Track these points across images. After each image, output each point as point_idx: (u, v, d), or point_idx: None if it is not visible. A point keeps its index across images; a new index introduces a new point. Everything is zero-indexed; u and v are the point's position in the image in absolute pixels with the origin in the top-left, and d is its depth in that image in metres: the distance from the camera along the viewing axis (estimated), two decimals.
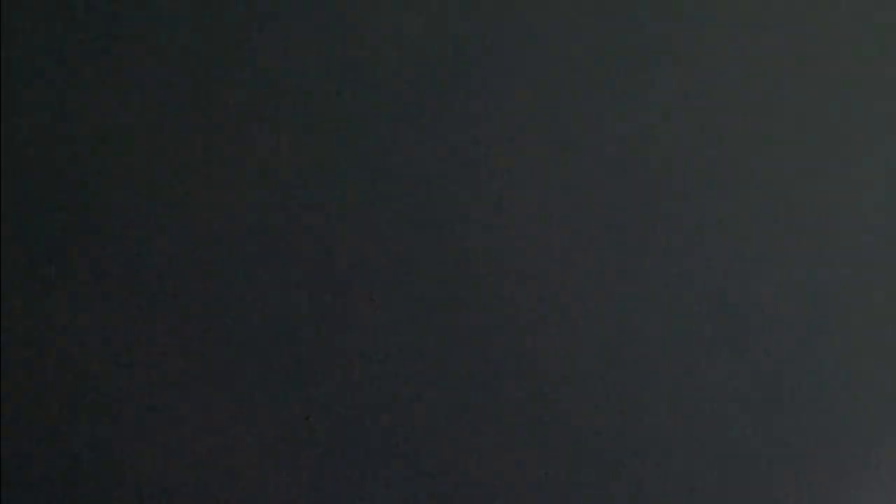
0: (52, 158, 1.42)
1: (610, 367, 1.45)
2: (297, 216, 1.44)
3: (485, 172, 1.46)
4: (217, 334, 1.42)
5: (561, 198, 1.46)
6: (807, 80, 1.49)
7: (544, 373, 1.45)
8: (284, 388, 1.42)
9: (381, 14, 1.46)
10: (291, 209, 1.43)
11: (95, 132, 1.42)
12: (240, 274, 1.43)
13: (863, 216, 1.48)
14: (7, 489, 1.38)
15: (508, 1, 1.47)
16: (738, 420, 1.46)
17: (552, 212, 1.46)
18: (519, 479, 1.44)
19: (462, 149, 1.46)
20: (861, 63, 1.49)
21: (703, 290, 1.46)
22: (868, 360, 1.47)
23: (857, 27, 1.49)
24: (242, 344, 1.42)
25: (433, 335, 1.44)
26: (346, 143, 1.45)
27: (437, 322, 1.44)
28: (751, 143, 1.48)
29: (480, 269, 1.45)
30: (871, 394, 1.47)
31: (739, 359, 1.46)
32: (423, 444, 1.43)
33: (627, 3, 1.48)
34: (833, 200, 1.48)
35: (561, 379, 1.45)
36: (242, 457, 1.41)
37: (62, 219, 1.41)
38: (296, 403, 1.42)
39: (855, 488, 1.46)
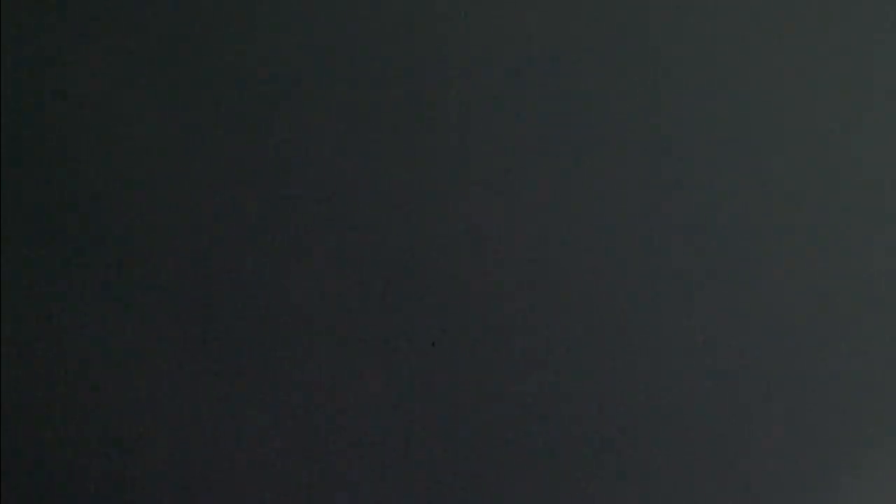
0: (53, 158, 1.42)
1: (608, 365, 1.45)
2: (298, 214, 1.44)
3: (484, 173, 1.46)
4: (219, 333, 1.42)
5: (561, 198, 1.46)
6: (809, 81, 1.49)
7: (541, 372, 1.45)
8: (284, 388, 1.42)
9: (381, 13, 1.46)
10: (293, 207, 1.44)
11: (96, 131, 1.42)
12: (241, 274, 1.43)
13: (861, 217, 1.48)
14: (7, 489, 1.38)
15: (511, 2, 1.47)
16: (737, 419, 1.46)
17: (552, 212, 1.46)
18: (520, 481, 1.44)
19: (461, 149, 1.46)
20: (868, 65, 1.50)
21: (702, 291, 1.46)
22: (866, 359, 1.47)
23: (859, 28, 1.50)
24: (244, 344, 1.42)
25: (436, 336, 1.44)
26: (347, 142, 1.45)
27: (437, 323, 1.44)
28: (751, 144, 1.48)
29: (482, 268, 1.45)
30: (869, 393, 1.47)
31: (738, 359, 1.46)
32: (424, 444, 1.43)
33: (629, 5, 1.48)
34: (831, 200, 1.48)
35: (555, 378, 1.45)
36: (243, 457, 1.41)
37: (62, 218, 1.41)
38: (296, 403, 1.42)
39: (851, 488, 1.46)
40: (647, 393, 1.45)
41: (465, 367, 1.44)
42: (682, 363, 1.46)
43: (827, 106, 1.49)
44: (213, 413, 1.41)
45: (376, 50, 1.46)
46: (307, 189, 1.44)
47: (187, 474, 1.40)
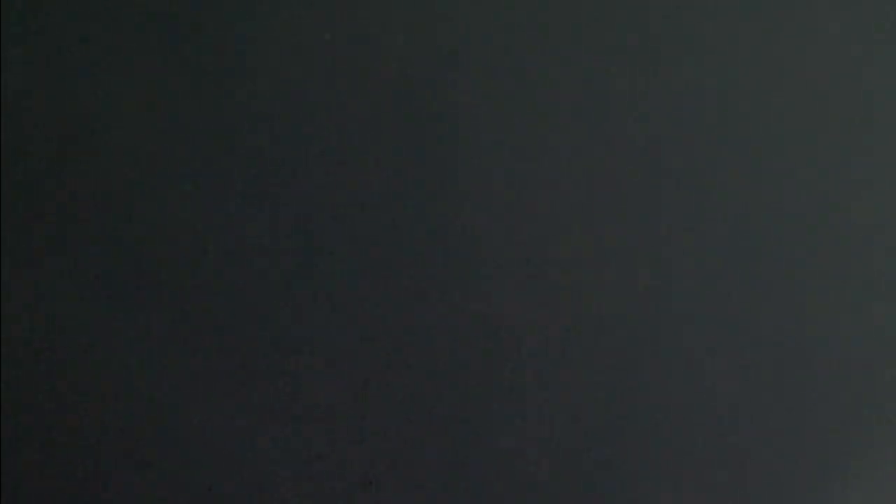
0: (54, 157, 1.42)
1: (606, 365, 1.45)
2: (296, 213, 1.44)
3: (482, 173, 1.46)
4: (219, 333, 1.42)
5: (561, 198, 1.47)
6: (809, 81, 1.49)
7: (540, 372, 1.45)
8: (283, 387, 1.42)
9: (380, 13, 1.46)
10: (292, 206, 1.44)
11: (96, 131, 1.43)
12: (241, 273, 1.43)
13: (859, 216, 1.48)
14: (7, 489, 1.38)
15: (509, 1, 1.47)
16: (735, 419, 1.46)
17: (552, 212, 1.46)
18: (515, 482, 1.44)
19: (460, 149, 1.46)
20: (864, 64, 1.50)
21: (701, 289, 1.46)
22: (865, 359, 1.47)
23: (857, 28, 1.50)
24: (244, 344, 1.42)
25: (434, 336, 1.44)
26: (348, 142, 1.45)
27: (435, 323, 1.44)
28: (751, 144, 1.48)
29: (478, 269, 1.45)
30: (868, 393, 1.47)
31: (737, 358, 1.46)
32: (423, 444, 1.44)
33: (628, 4, 1.48)
34: (829, 200, 1.48)
35: (554, 377, 1.45)
36: (241, 457, 1.41)
37: (63, 218, 1.41)
38: (293, 402, 1.42)
39: (850, 488, 1.46)
40: (646, 392, 1.45)
41: (466, 368, 1.44)
42: (681, 363, 1.46)
43: (827, 106, 1.49)
44: (214, 413, 1.41)
45: (376, 49, 1.46)
46: (308, 189, 1.44)
47: (187, 474, 1.41)
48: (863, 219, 1.48)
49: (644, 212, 1.46)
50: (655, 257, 1.46)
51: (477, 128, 1.46)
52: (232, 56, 1.44)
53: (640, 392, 1.45)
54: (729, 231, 1.47)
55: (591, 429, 1.45)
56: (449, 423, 1.44)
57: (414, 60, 1.46)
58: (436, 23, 1.47)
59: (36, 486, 1.39)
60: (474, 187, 1.45)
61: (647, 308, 1.46)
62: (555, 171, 1.46)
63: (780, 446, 1.46)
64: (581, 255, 1.46)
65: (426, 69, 1.46)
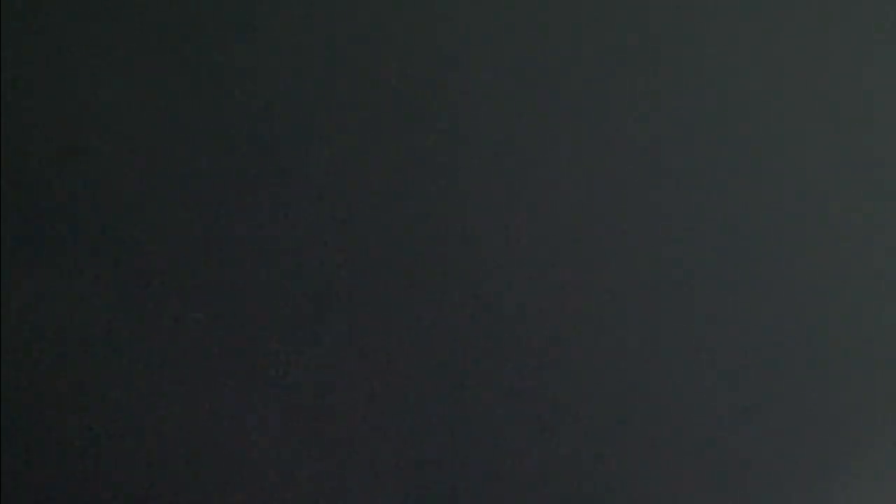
0: (54, 157, 1.42)
1: (605, 364, 1.45)
2: (296, 213, 1.44)
3: (482, 173, 1.46)
4: (219, 333, 1.42)
5: (561, 198, 1.46)
6: (809, 81, 1.49)
7: (539, 373, 1.45)
8: (283, 387, 1.42)
9: (380, 13, 1.46)
10: (291, 206, 1.44)
11: (96, 131, 1.42)
12: (240, 273, 1.43)
13: (859, 216, 1.48)
14: (7, 489, 1.38)
15: (509, 1, 1.47)
16: (735, 418, 1.46)
17: (548, 212, 1.46)
18: (513, 483, 1.44)
19: (459, 149, 1.46)
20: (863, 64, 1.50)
21: (701, 289, 1.46)
22: (865, 359, 1.47)
23: (858, 27, 1.50)
24: (244, 344, 1.42)
25: (434, 336, 1.44)
26: (348, 143, 1.45)
27: (435, 323, 1.44)
28: (751, 144, 1.48)
29: (478, 269, 1.45)
30: (867, 392, 1.47)
31: (737, 358, 1.46)
32: (422, 445, 1.43)
33: (628, 4, 1.48)
34: (829, 199, 1.48)
35: (552, 377, 1.45)
36: (240, 455, 1.41)
37: (63, 218, 1.41)
38: (294, 402, 1.42)
39: (850, 488, 1.46)
40: (646, 392, 1.45)
41: (466, 368, 1.44)
42: (680, 362, 1.46)
43: (827, 106, 1.49)
44: (215, 413, 1.41)
45: (377, 49, 1.46)
46: (308, 189, 1.44)
47: (187, 474, 1.40)
48: (863, 219, 1.48)
49: (644, 211, 1.46)
50: (655, 257, 1.46)
51: (477, 128, 1.46)
52: (232, 56, 1.44)
53: (639, 392, 1.45)
54: (729, 231, 1.47)
55: (591, 428, 1.45)
56: (449, 423, 1.43)
57: (414, 60, 1.46)
58: (436, 23, 1.46)
59: (36, 486, 1.39)
60: (474, 187, 1.45)
61: (647, 308, 1.46)
62: (555, 171, 1.46)
63: (780, 446, 1.46)
64: (581, 255, 1.46)
65: (426, 69, 1.46)
